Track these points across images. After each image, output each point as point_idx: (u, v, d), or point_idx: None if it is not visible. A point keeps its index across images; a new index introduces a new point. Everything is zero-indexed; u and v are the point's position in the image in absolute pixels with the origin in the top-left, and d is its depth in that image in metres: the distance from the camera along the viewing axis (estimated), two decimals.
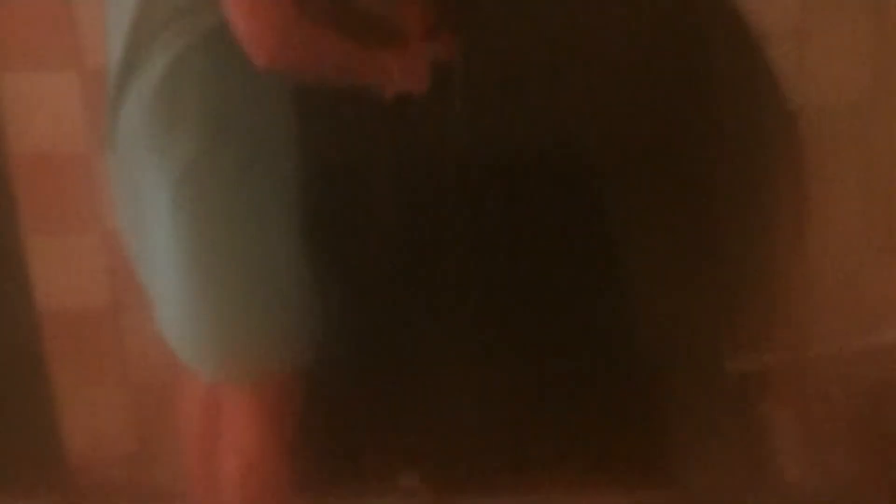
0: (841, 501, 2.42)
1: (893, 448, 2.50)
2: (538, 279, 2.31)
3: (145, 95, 1.69)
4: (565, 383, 2.29)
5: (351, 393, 2.15)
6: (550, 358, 2.28)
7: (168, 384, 2.14)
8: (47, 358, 2.44)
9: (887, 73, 2.41)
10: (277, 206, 1.78)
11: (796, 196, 2.37)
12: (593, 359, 2.31)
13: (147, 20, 1.67)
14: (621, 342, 2.32)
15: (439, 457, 2.36)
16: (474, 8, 2.06)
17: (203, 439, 2.03)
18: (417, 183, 2.25)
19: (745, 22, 2.21)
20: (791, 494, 2.43)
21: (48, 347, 2.44)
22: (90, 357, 2.46)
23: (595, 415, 2.30)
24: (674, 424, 2.32)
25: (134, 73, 1.70)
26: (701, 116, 2.28)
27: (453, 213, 2.28)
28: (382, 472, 2.35)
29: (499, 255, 2.30)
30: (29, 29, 2.23)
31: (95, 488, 2.51)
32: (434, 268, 2.30)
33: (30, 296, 2.39)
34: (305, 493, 2.02)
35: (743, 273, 2.39)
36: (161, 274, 1.81)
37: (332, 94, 1.85)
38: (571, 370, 2.29)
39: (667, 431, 2.32)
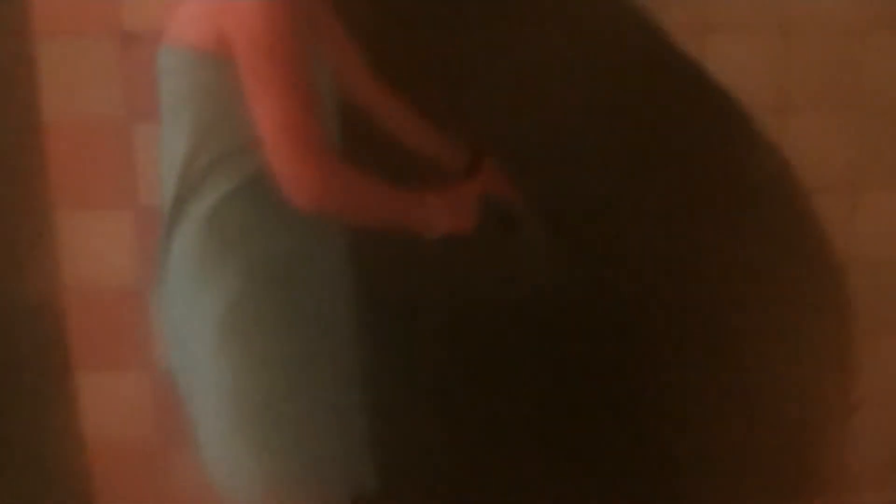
0: None
1: None
2: (578, 414, 2.32)
3: (194, 231, 1.72)
4: None
5: None
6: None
7: None
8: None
9: None
10: (325, 349, 1.78)
11: (841, 348, 2.36)
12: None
13: (197, 160, 1.70)
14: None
15: None
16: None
17: None
18: (469, 317, 2.26)
19: (794, 174, 2.22)
20: None
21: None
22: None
23: None
24: None
25: (184, 209, 1.73)
26: (745, 265, 2.28)
27: (503, 347, 2.29)
28: None
29: (549, 390, 2.31)
30: (87, 167, 2.27)
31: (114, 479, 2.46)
32: (487, 401, 2.31)
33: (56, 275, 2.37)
34: None
35: (782, 423, 2.37)
36: (206, 410, 1.80)
37: (381, 235, 1.84)
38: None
39: None
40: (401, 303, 2.20)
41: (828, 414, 2.38)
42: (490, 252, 2.18)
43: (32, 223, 2.30)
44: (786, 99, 2.20)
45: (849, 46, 2.18)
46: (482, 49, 2.16)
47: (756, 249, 2.26)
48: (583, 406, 2.34)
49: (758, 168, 2.23)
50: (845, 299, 2.31)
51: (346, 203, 1.69)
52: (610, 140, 2.21)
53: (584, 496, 2.30)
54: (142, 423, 2.40)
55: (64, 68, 2.22)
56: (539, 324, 2.28)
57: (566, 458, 2.36)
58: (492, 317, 2.26)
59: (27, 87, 2.22)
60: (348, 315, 1.83)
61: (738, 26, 2.16)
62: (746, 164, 2.23)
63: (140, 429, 2.41)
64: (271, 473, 1.77)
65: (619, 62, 2.16)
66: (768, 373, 2.33)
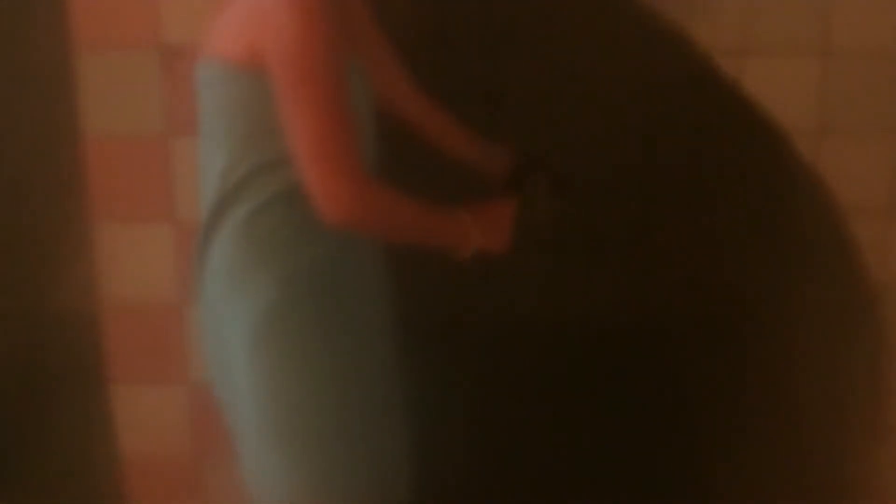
0: None
1: None
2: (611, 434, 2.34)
3: (229, 241, 1.72)
4: None
5: None
6: None
7: None
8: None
9: None
10: (360, 360, 1.77)
11: (875, 369, 2.35)
12: None
13: (234, 172, 1.70)
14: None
15: None
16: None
17: None
18: (507, 333, 2.27)
19: (830, 196, 2.22)
20: None
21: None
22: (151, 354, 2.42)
23: None
24: None
25: (221, 220, 1.73)
26: (780, 286, 2.28)
27: (539, 357, 2.29)
28: None
29: (584, 403, 2.33)
30: (126, 180, 2.28)
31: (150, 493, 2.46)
32: (521, 411, 2.32)
33: (94, 287, 2.37)
34: None
35: (815, 445, 2.37)
36: (243, 422, 1.80)
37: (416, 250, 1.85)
38: None
39: None
40: (435, 314, 2.21)
41: (861, 436, 2.37)
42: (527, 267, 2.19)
43: (72, 236, 2.31)
44: (823, 121, 2.19)
45: (887, 69, 2.17)
46: (520, 63, 2.17)
47: (791, 270, 2.26)
48: (618, 426, 2.35)
49: (794, 189, 2.23)
50: (880, 321, 2.31)
51: (377, 221, 1.68)
52: (646, 160, 2.21)
53: None
54: (178, 437, 2.41)
55: (104, 82, 2.23)
56: (575, 339, 2.29)
57: (598, 476, 2.37)
58: (528, 326, 2.27)
59: (67, 101, 2.24)
60: (383, 325, 1.83)
61: (776, 48, 2.16)
62: (783, 186, 2.23)
63: (176, 443, 2.41)
64: (306, 485, 1.76)
65: (657, 83, 2.17)
66: (802, 394, 2.33)
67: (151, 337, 2.35)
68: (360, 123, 1.70)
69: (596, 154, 2.18)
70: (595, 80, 2.17)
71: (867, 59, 2.17)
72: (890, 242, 2.26)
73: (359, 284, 1.78)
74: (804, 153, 2.21)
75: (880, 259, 2.27)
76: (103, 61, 2.22)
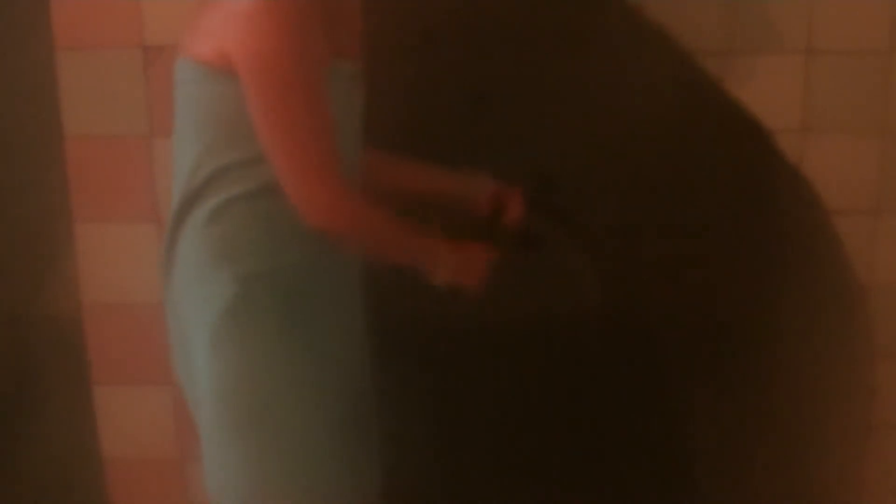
0: None
1: None
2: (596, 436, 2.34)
3: (194, 235, 1.72)
4: None
5: None
6: None
7: None
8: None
9: None
10: (323, 361, 1.76)
11: (860, 369, 2.35)
12: None
13: (200, 169, 1.70)
14: None
15: None
16: None
17: None
18: (485, 334, 2.26)
19: (815, 195, 2.22)
20: None
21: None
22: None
23: None
24: None
25: (186, 217, 1.73)
26: (766, 286, 2.28)
27: (506, 353, 2.29)
28: None
29: (555, 402, 2.32)
30: (108, 180, 2.28)
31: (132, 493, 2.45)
32: (489, 409, 2.31)
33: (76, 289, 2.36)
34: None
35: (800, 444, 2.37)
36: (203, 421, 1.79)
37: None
38: None
39: None
40: (411, 316, 2.20)
41: (846, 435, 2.37)
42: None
43: (54, 236, 2.30)
44: (808, 120, 2.19)
45: (872, 68, 2.17)
46: (507, 64, 2.17)
47: (776, 271, 2.26)
48: (602, 428, 2.35)
49: (779, 189, 2.23)
50: (865, 321, 2.31)
51: (356, 230, 1.69)
52: (630, 159, 2.21)
53: None
54: (161, 437, 2.40)
55: (85, 82, 2.23)
56: (559, 341, 2.28)
57: (580, 482, 2.36)
58: (507, 328, 2.27)
59: (49, 101, 2.23)
60: (351, 328, 1.83)
61: (760, 47, 2.16)
62: (767, 186, 2.23)
63: (159, 444, 2.41)
64: (264, 486, 1.75)
65: (641, 83, 2.16)
66: (788, 394, 2.33)
67: (135, 338, 2.34)
68: (344, 128, 1.70)
69: (581, 154, 2.17)
70: (580, 81, 2.16)
71: (851, 58, 2.17)
72: (875, 242, 2.26)
73: (326, 285, 1.77)
74: (789, 153, 2.21)
75: (866, 259, 2.27)
76: (86, 61, 2.21)
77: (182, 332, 1.80)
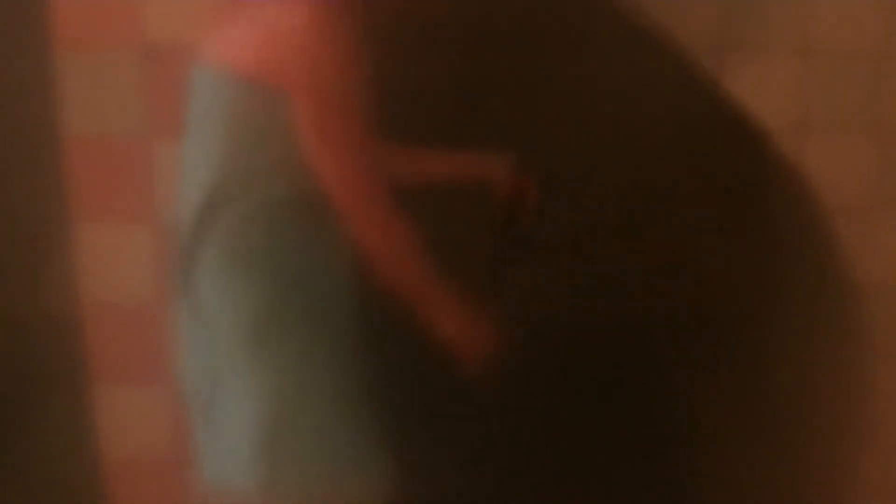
0: None
1: None
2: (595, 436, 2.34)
3: (224, 241, 1.71)
4: None
5: None
6: None
7: None
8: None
9: None
10: (357, 358, 1.77)
11: (856, 369, 2.36)
12: None
13: (228, 177, 1.70)
14: None
15: None
16: None
17: None
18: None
19: (811, 194, 2.23)
20: None
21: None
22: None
23: None
24: None
25: (214, 220, 1.72)
26: (761, 285, 2.29)
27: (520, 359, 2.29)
28: None
29: (563, 406, 2.32)
30: (107, 181, 2.28)
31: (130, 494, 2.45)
32: (505, 412, 2.31)
33: (74, 289, 2.36)
34: None
35: (795, 444, 2.38)
36: (229, 424, 1.79)
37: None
38: None
39: None
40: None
41: (842, 435, 2.38)
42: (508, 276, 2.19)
43: (52, 237, 2.30)
44: (804, 119, 2.20)
45: (868, 67, 2.18)
46: (501, 63, 2.17)
47: (772, 270, 2.27)
48: (598, 426, 2.35)
49: (775, 188, 2.23)
50: (861, 320, 2.31)
51: (384, 253, 1.68)
52: (626, 159, 2.21)
53: None
54: (158, 438, 2.40)
55: (84, 82, 2.23)
56: (557, 339, 2.29)
57: (576, 477, 2.37)
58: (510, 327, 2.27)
59: (47, 101, 2.24)
60: (359, 328, 1.83)
61: (756, 46, 2.16)
62: (763, 185, 2.23)
63: (157, 444, 2.41)
64: (295, 482, 1.75)
65: (637, 82, 2.17)
66: (783, 394, 2.33)
67: (133, 338, 2.34)
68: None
69: (576, 153, 2.18)
70: (575, 80, 2.17)
71: (848, 57, 2.17)
72: (872, 241, 2.27)
73: (344, 294, 1.77)
74: (785, 152, 2.21)
75: (862, 258, 2.27)
76: (85, 61, 2.21)
77: (204, 333, 1.78)
